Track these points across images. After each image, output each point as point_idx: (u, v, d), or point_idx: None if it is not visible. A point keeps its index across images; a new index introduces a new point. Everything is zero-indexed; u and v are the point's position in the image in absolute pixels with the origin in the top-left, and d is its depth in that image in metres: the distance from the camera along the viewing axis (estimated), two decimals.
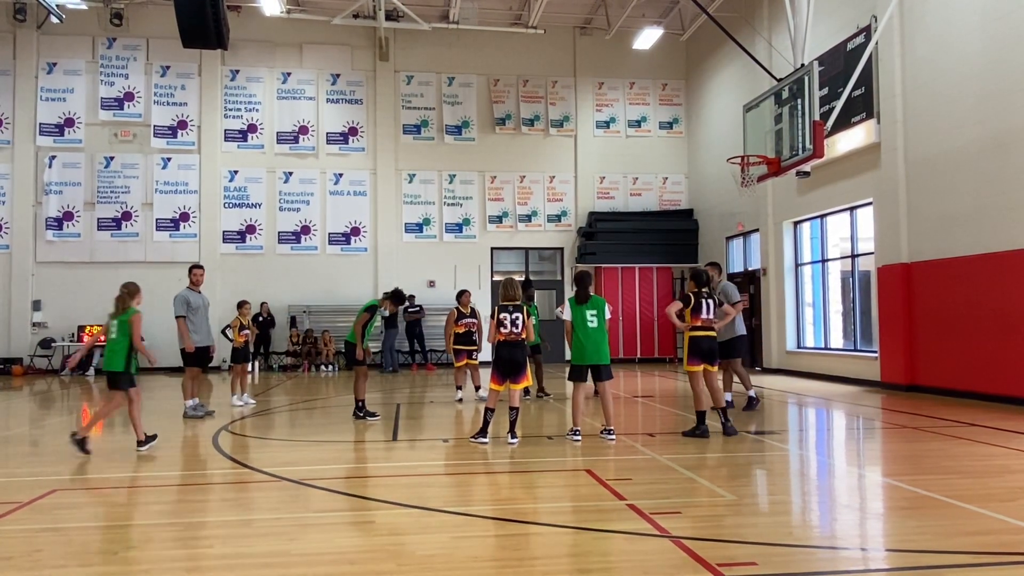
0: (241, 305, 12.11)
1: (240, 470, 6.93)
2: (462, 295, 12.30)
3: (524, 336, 8.05)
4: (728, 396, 10.19)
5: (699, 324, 8.38)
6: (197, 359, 10.44)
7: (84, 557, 4.37)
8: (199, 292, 10.57)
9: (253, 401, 12.02)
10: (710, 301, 8.47)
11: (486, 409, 8.07)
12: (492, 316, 8.19)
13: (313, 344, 19.92)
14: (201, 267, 10.92)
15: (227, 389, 11.99)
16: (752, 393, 10.42)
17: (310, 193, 21.20)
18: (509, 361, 7.96)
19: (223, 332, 12.27)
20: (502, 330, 7.99)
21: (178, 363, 10.71)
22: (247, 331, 11.94)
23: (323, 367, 19.62)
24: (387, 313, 11.08)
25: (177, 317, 10.23)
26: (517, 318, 8.01)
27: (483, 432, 8.00)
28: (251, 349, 12.74)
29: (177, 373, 18.80)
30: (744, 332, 10.49)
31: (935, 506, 5.27)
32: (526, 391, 12.14)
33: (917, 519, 4.98)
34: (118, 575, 4.01)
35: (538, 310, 12.55)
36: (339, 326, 19.89)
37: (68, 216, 20.18)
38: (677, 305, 8.48)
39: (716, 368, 8.52)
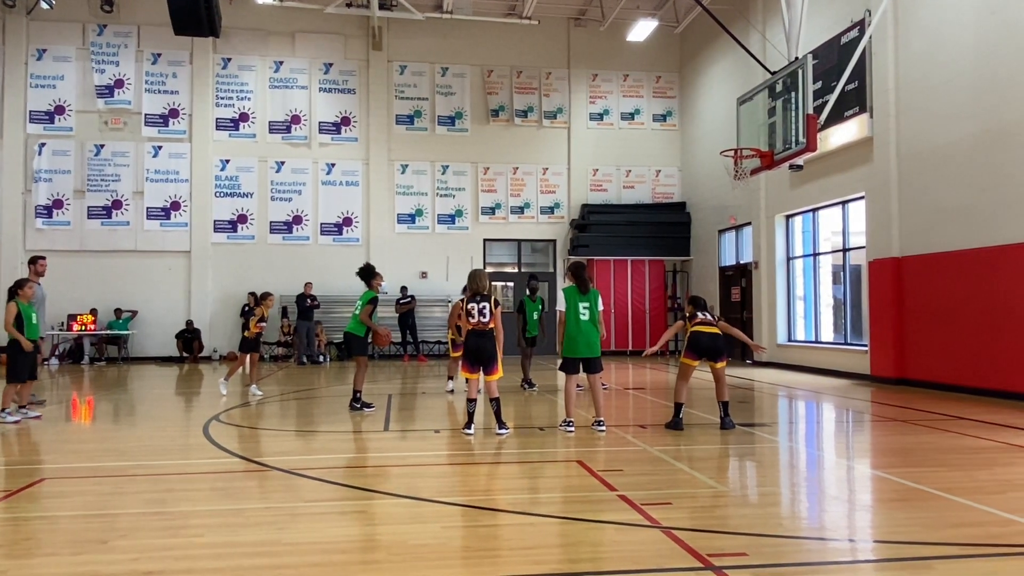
0: (265, 297, 11.98)
1: (231, 459, 6.91)
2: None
3: (492, 326, 8.07)
4: None
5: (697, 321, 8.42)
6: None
7: (74, 545, 4.35)
8: (39, 284, 10.05)
9: (260, 393, 11.82)
10: (707, 312, 8.58)
11: (467, 400, 8.08)
12: (462, 304, 8.29)
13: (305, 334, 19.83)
14: (45, 257, 10.50)
15: (244, 378, 11.93)
16: None
17: (302, 183, 21.11)
18: (477, 351, 7.99)
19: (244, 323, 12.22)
20: (471, 319, 8.03)
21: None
22: (264, 323, 11.93)
23: (315, 357, 19.56)
24: (384, 292, 10.61)
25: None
26: (484, 307, 8.04)
27: (468, 424, 8.00)
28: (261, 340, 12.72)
29: (165, 362, 18.88)
30: None
31: (924, 498, 5.31)
32: (530, 383, 12.19)
33: (906, 511, 5.02)
34: (108, 563, 3.99)
35: (543, 302, 12.57)
36: (331, 316, 19.89)
37: (58, 204, 20.03)
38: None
39: (721, 364, 8.39)
